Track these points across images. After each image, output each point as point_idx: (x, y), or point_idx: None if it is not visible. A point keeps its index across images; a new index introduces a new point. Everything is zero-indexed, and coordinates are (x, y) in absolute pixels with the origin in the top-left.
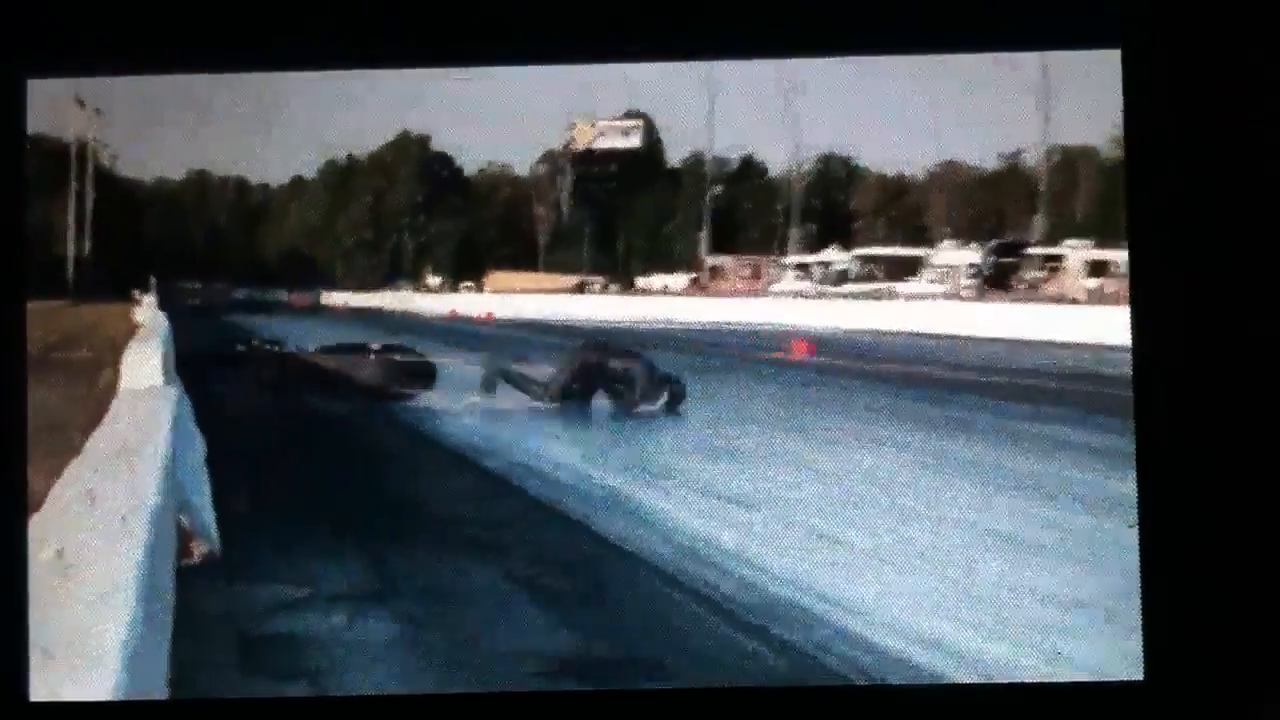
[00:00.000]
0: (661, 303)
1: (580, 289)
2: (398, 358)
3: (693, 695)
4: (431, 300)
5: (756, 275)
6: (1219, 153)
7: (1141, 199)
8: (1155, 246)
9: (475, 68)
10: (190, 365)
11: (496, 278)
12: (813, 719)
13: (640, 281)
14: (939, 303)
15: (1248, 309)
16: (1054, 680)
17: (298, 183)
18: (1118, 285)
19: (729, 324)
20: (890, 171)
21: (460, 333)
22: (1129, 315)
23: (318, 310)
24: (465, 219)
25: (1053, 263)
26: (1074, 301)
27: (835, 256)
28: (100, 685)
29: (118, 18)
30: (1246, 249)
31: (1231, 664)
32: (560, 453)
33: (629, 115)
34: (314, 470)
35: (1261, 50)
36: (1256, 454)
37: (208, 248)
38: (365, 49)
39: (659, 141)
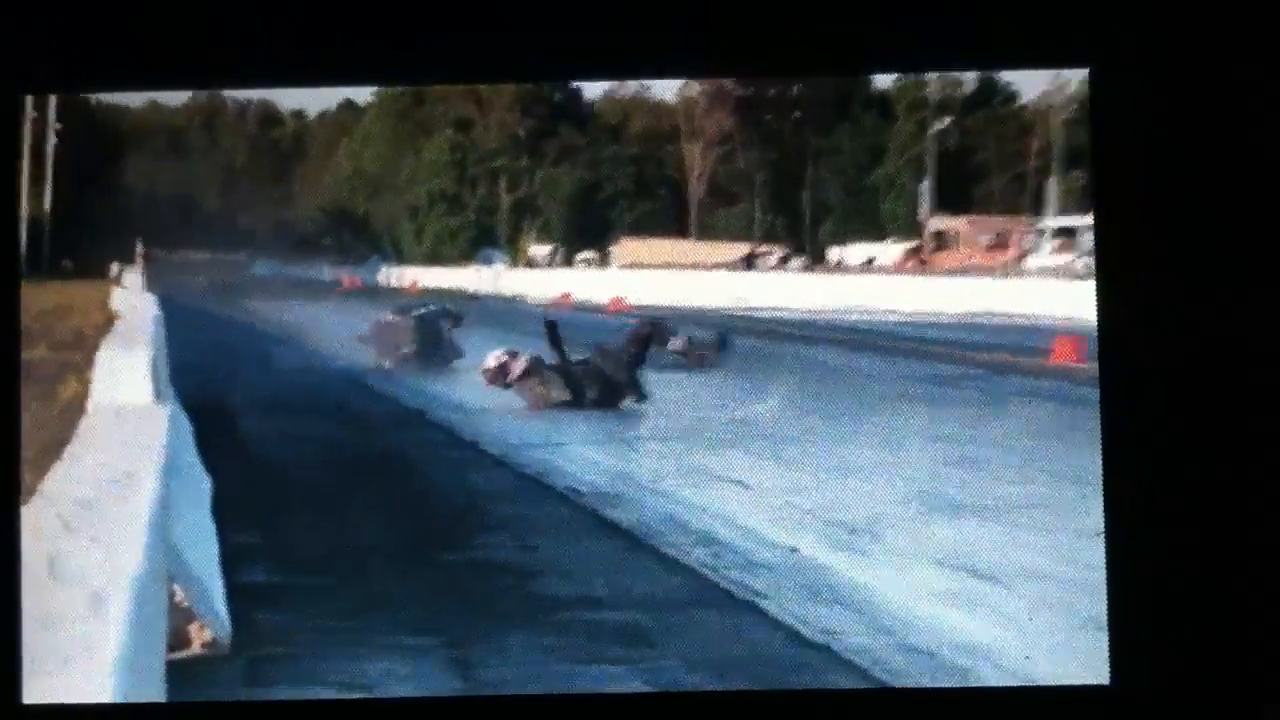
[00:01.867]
0: (865, 284)
1: (749, 263)
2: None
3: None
4: (536, 279)
5: (1003, 245)
6: (1187, 170)
7: (1108, 216)
8: (1124, 270)
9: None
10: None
11: (629, 247)
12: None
13: (834, 253)
14: None
15: (1217, 316)
16: (1021, 685)
17: (347, 111)
18: None
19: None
20: None
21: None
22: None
23: (376, 293)
24: (585, 162)
25: None
26: None
27: None
28: None
29: (114, 35)
30: (1214, 266)
31: (1199, 667)
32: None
33: None
34: (369, 525)
35: (1230, 71)
36: (1232, 454)
37: (219, 203)
38: (368, 64)
39: None
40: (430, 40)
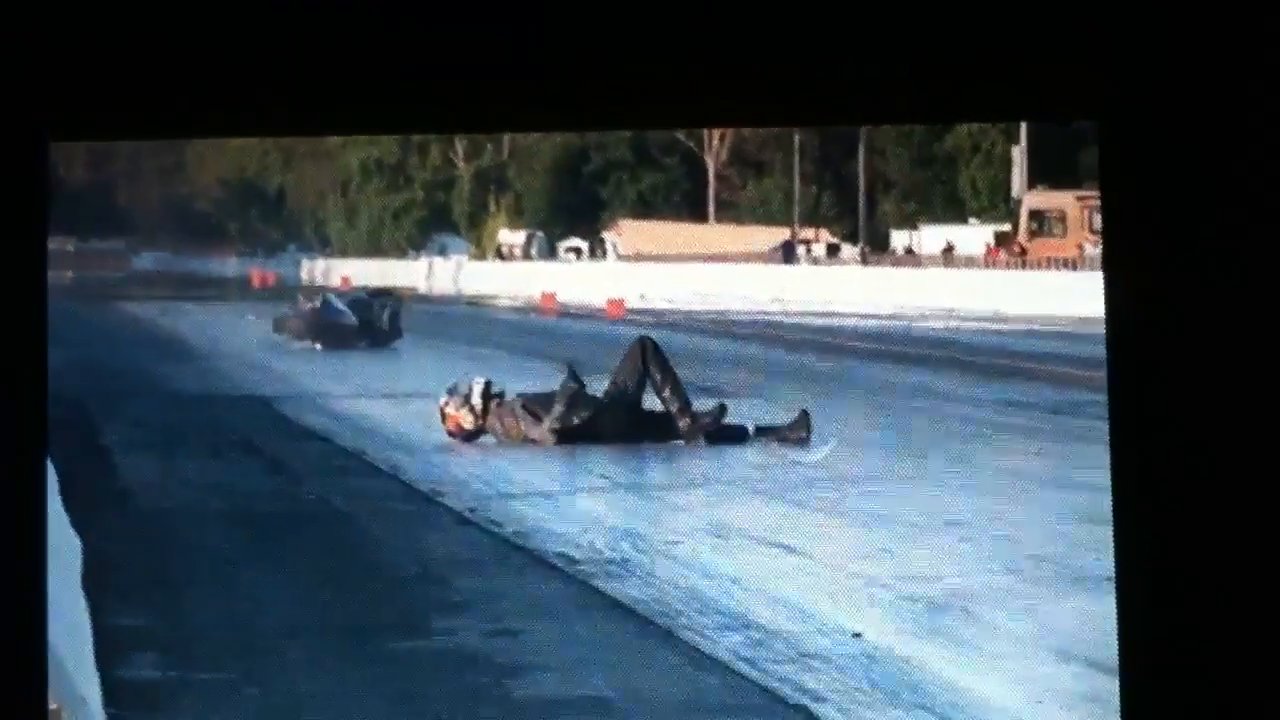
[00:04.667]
0: (942, 280)
1: (788, 254)
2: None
3: None
4: (509, 275)
5: None
6: (1199, 222)
7: (1119, 268)
8: (1132, 323)
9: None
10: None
11: (630, 233)
12: None
13: (899, 239)
14: None
15: (1229, 363)
16: None
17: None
18: None
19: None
20: None
21: (565, 336)
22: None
23: (296, 293)
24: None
25: None
26: None
27: None
28: None
29: (142, 82)
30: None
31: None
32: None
33: None
34: (290, 603)
35: (1243, 121)
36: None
37: (86, 175)
38: (388, 114)
39: None
40: (440, 88)
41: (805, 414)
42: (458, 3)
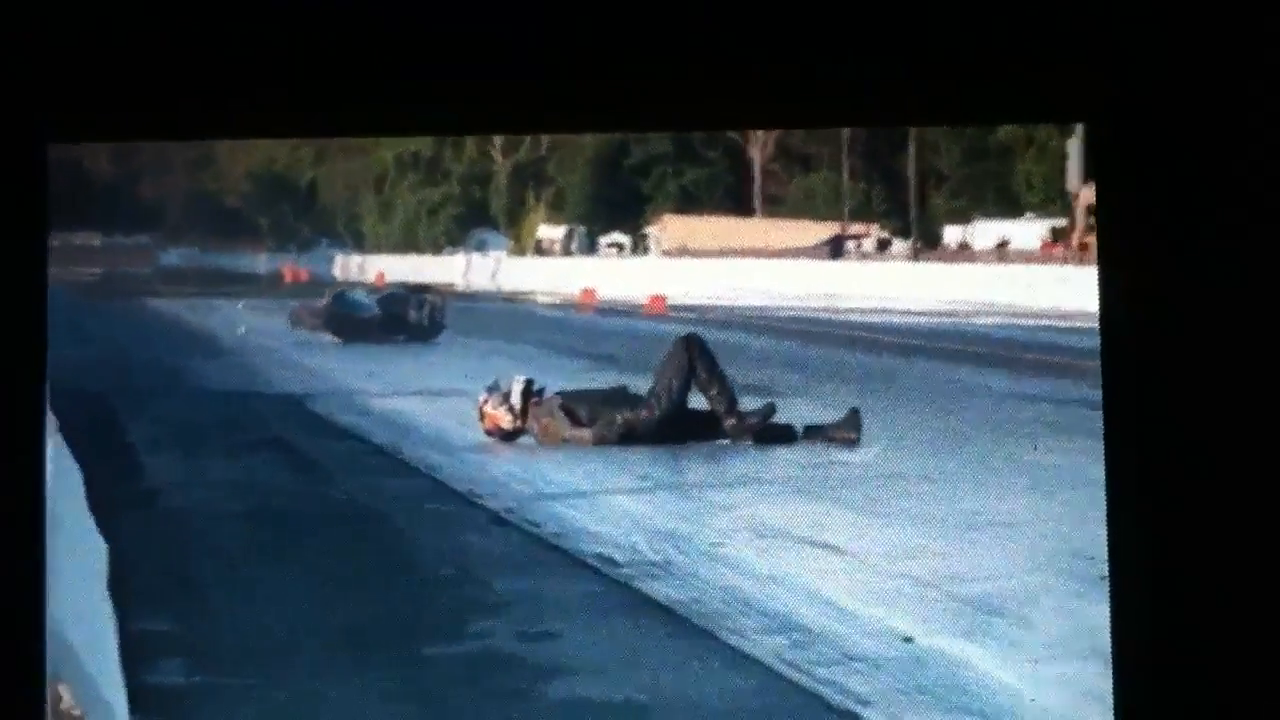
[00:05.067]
0: (997, 275)
1: (836, 249)
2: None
3: None
4: (548, 271)
5: None
6: (1194, 222)
7: (1113, 267)
8: (1127, 327)
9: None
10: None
11: (672, 228)
12: None
13: (952, 234)
14: None
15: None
16: None
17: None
18: None
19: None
20: None
21: (606, 334)
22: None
23: (330, 289)
24: None
25: None
26: None
27: None
28: None
29: (140, 83)
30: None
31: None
32: None
33: None
34: (321, 606)
35: (1237, 122)
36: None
37: (113, 169)
38: (388, 115)
39: None
40: (449, 88)
41: (855, 412)
42: (458, 5)
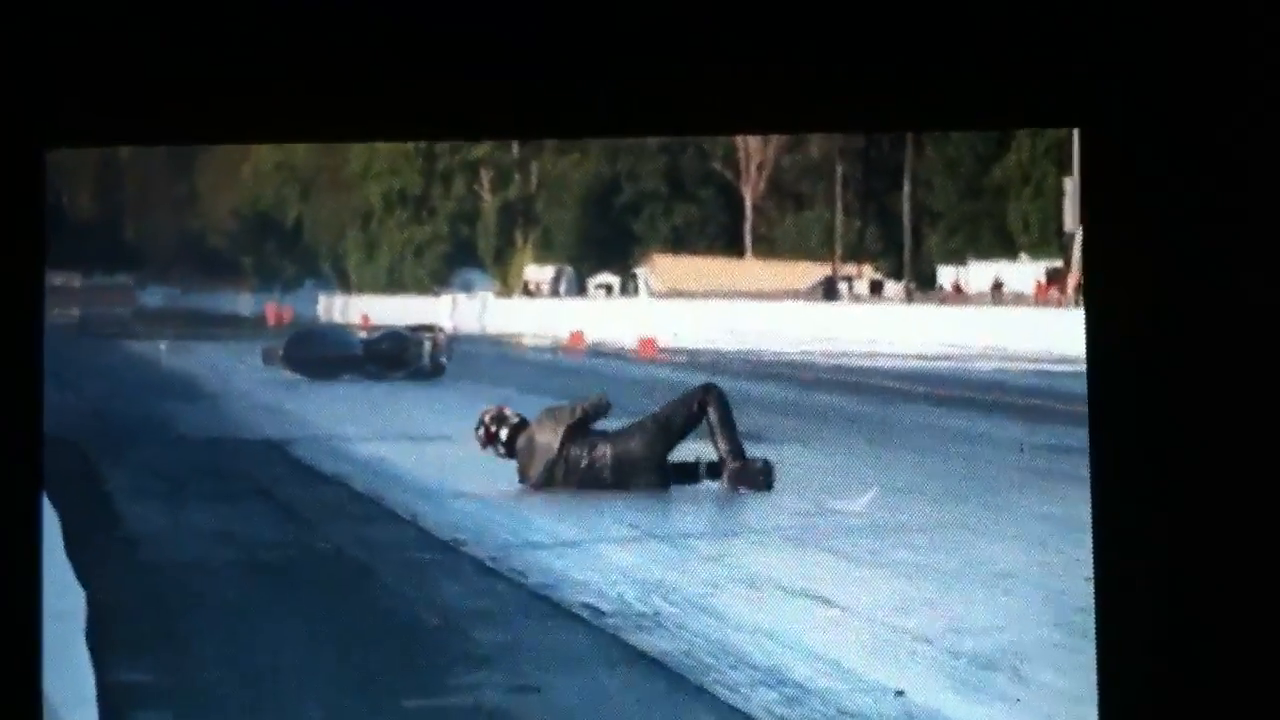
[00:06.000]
0: (991, 318)
1: (829, 290)
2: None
3: None
4: (536, 312)
5: None
6: (1179, 228)
7: (1098, 274)
8: (1113, 346)
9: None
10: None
11: (663, 268)
12: None
13: (946, 275)
14: None
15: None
16: None
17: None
18: None
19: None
20: None
21: (594, 377)
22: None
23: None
24: (600, 152)
25: None
26: None
27: None
28: None
29: (135, 90)
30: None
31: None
32: None
33: None
34: (303, 657)
35: (1223, 129)
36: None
37: (94, 207)
38: (386, 119)
39: None
40: (450, 98)
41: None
42: (459, 6)
